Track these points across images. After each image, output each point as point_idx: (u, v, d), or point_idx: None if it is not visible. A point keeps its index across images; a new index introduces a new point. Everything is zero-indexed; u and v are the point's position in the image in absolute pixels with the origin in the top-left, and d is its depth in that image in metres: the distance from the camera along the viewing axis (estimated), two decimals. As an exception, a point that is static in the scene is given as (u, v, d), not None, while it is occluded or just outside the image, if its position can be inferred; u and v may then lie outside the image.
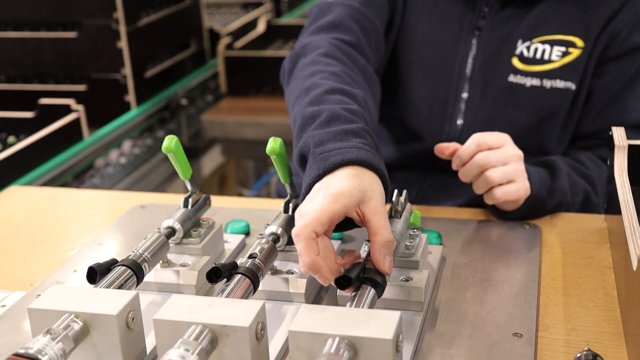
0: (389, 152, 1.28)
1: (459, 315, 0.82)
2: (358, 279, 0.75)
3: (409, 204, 0.93)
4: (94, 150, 1.66)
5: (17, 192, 1.28)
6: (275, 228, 0.87)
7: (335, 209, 0.78)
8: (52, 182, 1.50)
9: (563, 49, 1.17)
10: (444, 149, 1.05)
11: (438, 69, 1.23)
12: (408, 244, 0.87)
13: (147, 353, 0.76)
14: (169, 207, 1.13)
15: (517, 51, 1.19)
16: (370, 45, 1.18)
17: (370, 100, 1.07)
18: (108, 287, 0.77)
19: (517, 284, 0.88)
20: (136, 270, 0.80)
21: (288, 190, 0.94)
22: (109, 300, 0.72)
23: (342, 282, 0.74)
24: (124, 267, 0.80)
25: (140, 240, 0.87)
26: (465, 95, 1.21)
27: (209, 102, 2.22)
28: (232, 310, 0.69)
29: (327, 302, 0.87)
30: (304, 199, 0.83)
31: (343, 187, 0.79)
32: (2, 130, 1.59)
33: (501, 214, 1.06)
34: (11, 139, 1.51)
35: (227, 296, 0.74)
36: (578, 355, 0.73)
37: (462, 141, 1.13)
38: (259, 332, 0.69)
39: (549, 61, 1.18)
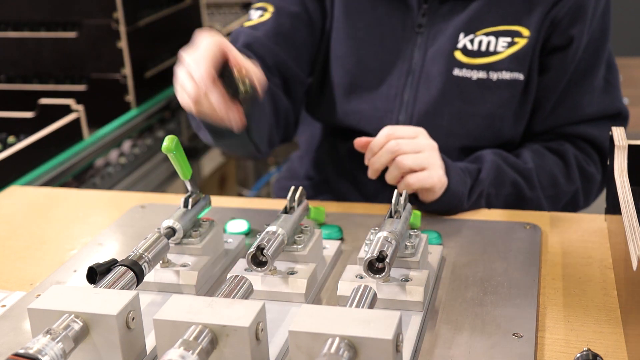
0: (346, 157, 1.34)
1: (459, 315, 0.82)
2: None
3: (409, 204, 0.93)
4: (94, 150, 1.66)
5: (17, 192, 1.28)
6: (275, 228, 0.87)
7: None
8: (52, 182, 1.50)
9: (509, 39, 1.18)
10: (359, 142, 1.08)
11: (380, 70, 1.25)
12: (408, 244, 0.87)
13: (147, 353, 0.76)
14: (169, 207, 1.13)
15: (460, 45, 1.20)
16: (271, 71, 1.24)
17: None
18: (108, 287, 0.77)
19: (517, 284, 0.87)
20: (136, 271, 0.80)
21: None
22: (109, 300, 0.72)
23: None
24: (124, 267, 0.80)
25: (140, 240, 0.87)
26: (408, 90, 1.23)
27: (209, 102, 2.22)
28: (232, 310, 0.69)
29: (327, 302, 0.87)
30: None
31: None
32: (2, 130, 1.59)
33: (420, 205, 1.09)
34: (11, 139, 1.51)
35: (226, 296, 0.74)
36: (578, 355, 0.73)
37: None
38: (259, 332, 0.69)
39: (495, 52, 1.19)
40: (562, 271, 0.92)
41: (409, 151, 1.04)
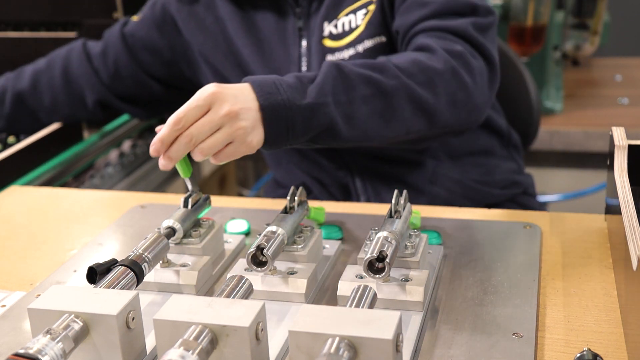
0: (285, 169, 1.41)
1: (459, 315, 0.82)
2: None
3: (409, 204, 0.93)
4: (94, 150, 1.66)
5: (17, 192, 1.28)
6: (275, 228, 0.87)
7: None
8: (52, 182, 1.50)
9: (364, 10, 1.23)
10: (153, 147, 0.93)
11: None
12: (408, 244, 0.87)
13: (147, 353, 0.76)
14: (169, 207, 1.13)
15: (325, 33, 1.24)
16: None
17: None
18: (108, 287, 0.77)
19: (517, 284, 0.87)
20: (136, 270, 0.80)
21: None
22: (109, 300, 0.72)
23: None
24: (124, 267, 0.80)
25: (140, 240, 0.87)
26: None
27: (209, 102, 2.22)
28: (232, 310, 0.69)
29: (327, 302, 0.87)
30: None
31: None
32: (2, 130, 1.59)
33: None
34: (11, 139, 1.50)
35: (227, 296, 0.74)
36: (578, 355, 0.73)
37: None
38: (259, 332, 0.69)
39: (356, 27, 1.23)
40: (562, 271, 0.92)
41: (204, 136, 0.90)
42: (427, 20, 1.16)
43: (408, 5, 1.19)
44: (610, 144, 0.99)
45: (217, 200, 1.12)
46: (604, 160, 1.04)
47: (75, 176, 1.61)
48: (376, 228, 0.87)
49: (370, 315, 0.67)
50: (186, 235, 0.92)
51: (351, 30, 1.23)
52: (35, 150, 1.46)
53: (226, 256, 0.96)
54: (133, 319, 0.72)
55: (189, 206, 0.93)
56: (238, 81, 1.33)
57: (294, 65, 1.29)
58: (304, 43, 1.28)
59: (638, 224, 0.78)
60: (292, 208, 0.93)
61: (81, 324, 0.70)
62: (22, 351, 0.64)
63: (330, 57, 1.24)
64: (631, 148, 0.97)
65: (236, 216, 1.08)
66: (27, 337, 0.79)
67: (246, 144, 0.93)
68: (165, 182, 1.95)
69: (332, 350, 0.63)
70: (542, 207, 1.48)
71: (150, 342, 0.76)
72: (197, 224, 0.94)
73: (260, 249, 0.83)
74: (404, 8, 1.20)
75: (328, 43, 1.25)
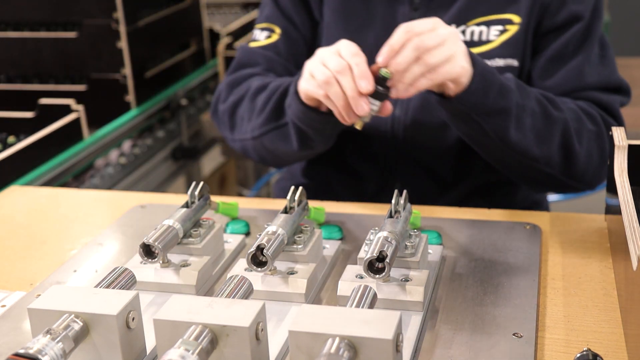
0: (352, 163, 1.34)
1: (459, 315, 0.82)
2: None
3: (409, 204, 0.93)
4: (94, 150, 1.66)
5: (17, 192, 1.28)
6: (275, 228, 0.87)
7: None
8: (52, 182, 1.50)
9: (500, 27, 1.19)
10: (379, 57, 1.02)
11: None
12: (408, 244, 0.87)
13: (147, 353, 0.76)
14: (169, 207, 1.13)
15: None
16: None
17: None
18: (108, 287, 0.77)
19: (517, 284, 0.88)
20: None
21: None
22: (109, 300, 0.72)
23: None
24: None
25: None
26: None
27: (209, 102, 2.22)
28: (232, 310, 0.69)
29: (327, 302, 0.87)
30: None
31: None
32: (2, 130, 1.59)
33: (446, 104, 1.05)
34: (11, 139, 1.51)
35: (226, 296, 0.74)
36: (578, 355, 0.73)
37: (399, 131, 1.22)
38: (259, 332, 0.69)
39: (487, 41, 1.19)
40: (562, 271, 0.92)
41: (433, 46, 0.98)
42: (582, 91, 1.20)
43: (568, 70, 1.19)
44: (610, 144, 0.99)
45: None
46: (604, 160, 1.04)
47: (75, 176, 1.61)
48: (376, 228, 0.87)
49: (370, 315, 0.67)
50: (186, 235, 0.92)
51: (480, 42, 1.19)
52: (35, 150, 1.46)
53: (226, 256, 0.96)
54: (133, 319, 0.72)
55: (189, 206, 0.93)
56: None
57: None
58: None
59: (638, 224, 0.78)
60: (292, 208, 0.93)
61: (81, 324, 0.70)
62: (22, 351, 0.64)
63: None
64: (631, 148, 0.97)
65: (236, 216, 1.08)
66: (27, 337, 0.79)
67: (460, 66, 1.00)
68: (165, 182, 1.96)
69: (332, 350, 0.63)
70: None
71: (150, 342, 0.76)
72: (197, 224, 0.94)
73: (260, 249, 0.83)
74: (554, 66, 1.19)
75: None
